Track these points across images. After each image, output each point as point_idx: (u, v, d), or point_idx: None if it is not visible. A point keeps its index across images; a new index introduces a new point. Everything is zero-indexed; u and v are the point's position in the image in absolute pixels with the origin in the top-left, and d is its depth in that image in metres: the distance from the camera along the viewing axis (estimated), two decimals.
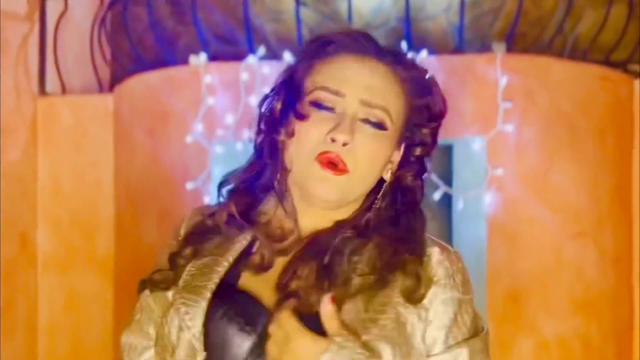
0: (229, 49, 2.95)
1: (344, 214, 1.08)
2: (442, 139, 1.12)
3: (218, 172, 2.83)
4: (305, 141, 1.04)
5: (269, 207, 1.09)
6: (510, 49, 2.82)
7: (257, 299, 1.02)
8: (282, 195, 1.08)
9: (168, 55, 3.03)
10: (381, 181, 1.09)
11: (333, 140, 1.02)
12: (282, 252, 1.06)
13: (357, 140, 1.03)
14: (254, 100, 2.75)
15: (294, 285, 1.00)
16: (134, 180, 3.08)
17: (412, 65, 1.10)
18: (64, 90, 3.32)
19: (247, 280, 1.05)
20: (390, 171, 1.08)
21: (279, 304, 0.99)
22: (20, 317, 3.18)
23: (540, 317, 2.77)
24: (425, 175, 1.11)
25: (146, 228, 2.98)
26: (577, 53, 3.02)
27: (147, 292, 1.11)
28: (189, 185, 2.82)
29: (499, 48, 2.75)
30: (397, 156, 1.09)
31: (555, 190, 2.80)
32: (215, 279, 1.04)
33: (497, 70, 2.71)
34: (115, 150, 3.20)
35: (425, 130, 1.09)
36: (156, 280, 1.10)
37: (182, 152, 2.89)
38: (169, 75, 2.97)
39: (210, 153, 2.82)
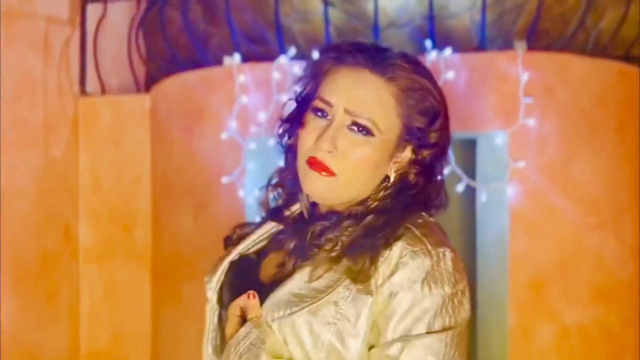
0: (259, 49, 2.99)
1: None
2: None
3: (252, 167, 2.90)
4: (301, 146, 1.15)
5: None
6: (532, 46, 2.83)
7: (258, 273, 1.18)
8: (299, 186, 1.19)
9: (201, 55, 3.08)
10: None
11: (320, 148, 1.13)
12: None
13: (343, 148, 1.12)
14: (285, 98, 2.81)
15: (284, 246, 1.15)
16: (170, 176, 3.14)
17: (409, 72, 1.13)
18: (103, 90, 3.41)
19: (267, 262, 1.20)
20: (395, 170, 1.15)
21: (269, 262, 1.18)
22: (64, 305, 3.28)
23: (561, 305, 2.79)
24: (435, 178, 1.15)
25: (182, 221, 3.06)
26: (598, 49, 3.02)
27: None
28: (224, 180, 2.88)
29: (521, 46, 2.77)
30: (407, 154, 1.15)
31: (575, 182, 2.81)
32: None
33: (519, 67, 2.73)
34: (152, 147, 3.26)
35: (431, 134, 1.14)
36: None
37: (217, 148, 2.94)
38: (204, 75, 3.03)
39: (243, 149, 2.88)
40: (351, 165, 1.12)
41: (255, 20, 3.01)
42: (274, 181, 1.25)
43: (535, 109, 2.76)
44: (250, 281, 1.16)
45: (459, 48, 2.80)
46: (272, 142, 2.85)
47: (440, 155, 1.17)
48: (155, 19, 3.29)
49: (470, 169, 2.79)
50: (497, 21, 2.92)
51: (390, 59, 1.14)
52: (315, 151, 1.13)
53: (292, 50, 2.88)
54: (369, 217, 1.11)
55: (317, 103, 1.15)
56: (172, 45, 3.20)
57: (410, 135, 1.14)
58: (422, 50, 2.78)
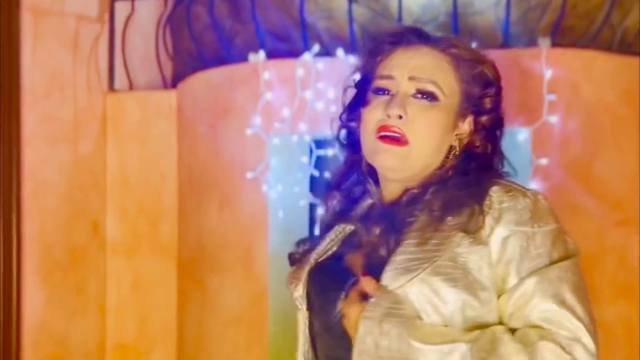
0: (284, 46, 3.00)
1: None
2: None
3: (275, 163, 2.92)
4: (368, 122, 1.19)
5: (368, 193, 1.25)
6: (557, 42, 2.82)
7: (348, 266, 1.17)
8: (365, 178, 1.23)
9: (227, 52, 3.11)
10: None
11: (389, 117, 1.16)
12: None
13: (412, 114, 1.16)
14: (309, 94, 2.82)
15: (364, 239, 1.15)
16: (196, 171, 3.17)
17: (459, 43, 1.22)
18: (131, 86, 3.45)
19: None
20: (459, 140, 1.20)
21: (353, 259, 1.16)
22: (91, 298, 3.33)
23: None
24: (499, 146, 1.20)
25: (207, 215, 3.08)
26: (624, 45, 3.00)
27: None
28: (248, 175, 2.91)
29: (544, 43, 2.77)
30: (467, 127, 1.20)
31: (599, 179, 2.80)
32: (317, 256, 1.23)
33: (542, 64, 2.73)
34: (178, 143, 3.29)
35: (486, 99, 1.21)
36: None
37: (242, 144, 2.96)
38: (229, 72, 3.05)
39: (267, 145, 2.90)
40: (421, 131, 1.16)
41: (280, 17, 3.03)
42: (331, 191, 1.27)
43: (559, 105, 2.75)
44: (341, 279, 1.15)
45: (483, 45, 2.78)
46: (295, 138, 2.89)
47: (497, 122, 1.21)
48: (182, 17, 3.32)
49: None
50: (521, 18, 2.91)
51: (442, 37, 1.22)
52: (386, 120, 1.16)
53: (316, 48, 2.90)
54: (453, 179, 1.15)
55: (378, 81, 1.20)
56: (198, 42, 3.22)
57: (469, 102, 1.19)
58: None
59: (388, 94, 1.18)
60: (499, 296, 1.09)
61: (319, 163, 2.88)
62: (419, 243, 1.08)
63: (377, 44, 1.24)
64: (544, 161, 2.75)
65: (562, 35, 2.90)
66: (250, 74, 2.94)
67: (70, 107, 3.24)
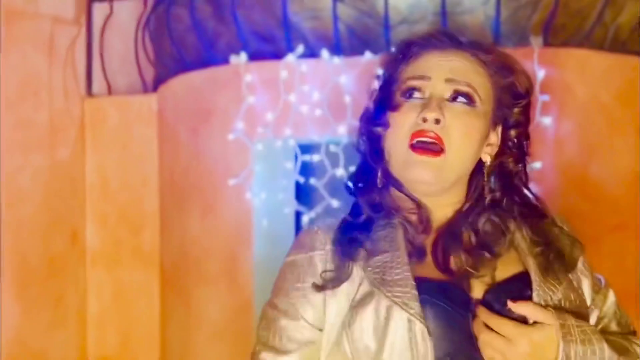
0: (268, 47, 2.94)
1: (452, 198, 1.12)
2: None
3: (259, 169, 2.87)
4: (399, 128, 1.09)
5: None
6: (549, 41, 2.78)
7: (458, 285, 1.06)
8: (388, 188, 1.12)
9: (209, 54, 3.05)
10: (480, 167, 1.13)
11: (425, 121, 1.07)
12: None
13: (449, 119, 1.07)
14: (293, 98, 2.76)
15: (453, 265, 1.07)
16: (178, 177, 3.11)
17: (493, 49, 1.16)
18: (109, 91, 3.40)
19: (416, 268, 1.07)
20: (489, 154, 1.13)
21: (462, 279, 1.06)
22: (71, 310, 3.26)
23: None
24: (527, 159, 1.16)
25: (190, 223, 3.02)
26: (617, 44, 2.96)
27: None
28: (231, 182, 2.85)
29: (537, 42, 2.73)
30: (495, 138, 1.13)
31: (595, 182, 2.77)
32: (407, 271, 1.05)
33: (534, 64, 2.68)
34: (159, 148, 3.24)
35: (515, 110, 1.14)
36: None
37: (224, 150, 2.91)
38: (211, 74, 2.99)
39: (251, 150, 2.84)
40: (459, 137, 1.08)
41: (263, 17, 2.98)
42: (358, 185, 1.14)
43: (553, 106, 2.71)
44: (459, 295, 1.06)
45: None
46: (279, 143, 2.81)
47: (525, 136, 1.16)
48: (162, 18, 3.26)
49: None
50: (512, 16, 2.88)
51: (474, 41, 1.17)
52: (420, 125, 1.07)
53: (300, 49, 2.83)
54: (513, 199, 1.14)
55: (410, 82, 1.11)
56: (179, 44, 3.17)
57: (500, 111, 1.13)
58: None
59: (420, 97, 1.10)
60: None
61: (304, 169, 2.82)
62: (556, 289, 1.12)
63: (405, 45, 1.16)
64: (537, 165, 2.70)
65: (554, 34, 2.87)
66: (232, 77, 2.89)
67: (46, 112, 3.17)
